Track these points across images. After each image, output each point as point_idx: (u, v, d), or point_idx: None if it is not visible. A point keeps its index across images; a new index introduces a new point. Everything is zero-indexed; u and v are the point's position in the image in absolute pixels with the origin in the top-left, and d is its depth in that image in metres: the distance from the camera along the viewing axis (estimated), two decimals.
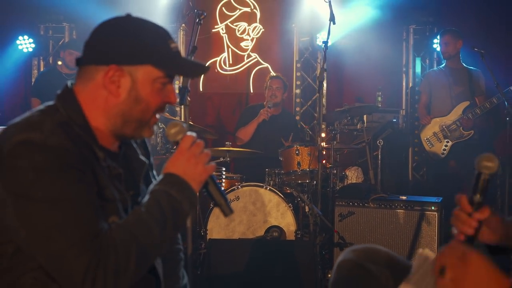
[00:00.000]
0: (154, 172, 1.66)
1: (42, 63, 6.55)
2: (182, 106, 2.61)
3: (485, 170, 1.42)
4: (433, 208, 3.89)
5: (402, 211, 3.96)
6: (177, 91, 2.40)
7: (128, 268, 1.26)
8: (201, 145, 1.42)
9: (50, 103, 1.41)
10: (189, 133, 1.44)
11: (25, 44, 6.48)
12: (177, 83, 5.23)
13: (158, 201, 1.34)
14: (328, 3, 4.31)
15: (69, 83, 1.45)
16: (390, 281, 1.41)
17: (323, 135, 5.55)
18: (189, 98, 2.76)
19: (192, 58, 2.69)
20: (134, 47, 1.37)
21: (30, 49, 6.51)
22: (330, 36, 4.19)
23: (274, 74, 5.55)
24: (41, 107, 1.40)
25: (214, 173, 1.44)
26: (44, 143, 1.26)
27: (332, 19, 4.27)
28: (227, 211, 1.43)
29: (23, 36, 6.47)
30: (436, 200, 3.98)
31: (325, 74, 6.40)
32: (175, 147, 1.43)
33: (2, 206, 1.26)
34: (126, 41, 1.37)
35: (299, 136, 5.38)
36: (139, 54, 1.38)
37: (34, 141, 1.26)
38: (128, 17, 1.44)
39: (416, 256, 1.30)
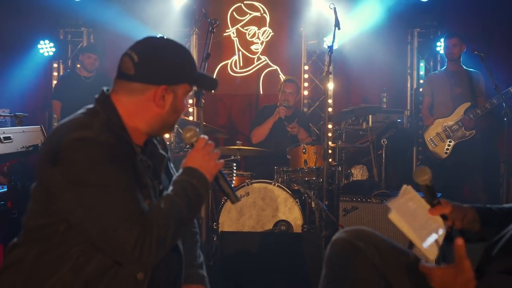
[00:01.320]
0: (172, 165, 1.94)
1: (62, 66, 6.84)
2: (198, 108, 2.86)
3: (423, 182, 1.79)
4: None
5: None
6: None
7: (167, 239, 1.54)
8: (212, 145, 1.74)
9: (90, 106, 1.69)
10: (202, 135, 1.75)
11: (45, 48, 6.78)
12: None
13: (184, 188, 1.64)
14: (333, 10, 4.56)
15: (105, 89, 1.73)
16: (375, 255, 1.67)
17: (329, 134, 5.78)
18: (203, 101, 3.01)
19: (206, 64, 2.95)
20: (177, 70, 1.69)
21: (51, 53, 6.81)
22: (336, 40, 4.43)
23: (289, 77, 5.64)
24: (82, 110, 1.68)
25: (223, 168, 1.76)
26: (96, 140, 1.54)
27: (337, 24, 4.51)
28: (234, 199, 1.77)
29: (44, 40, 6.77)
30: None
31: (331, 77, 6.67)
32: (188, 147, 1.73)
33: (59, 191, 1.53)
34: (172, 65, 1.67)
35: (310, 131, 5.56)
36: (181, 76, 1.70)
37: (88, 138, 1.54)
38: (166, 40, 1.74)
39: (402, 189, 1.63)
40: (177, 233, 1.60)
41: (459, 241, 1.56)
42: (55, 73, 6.78)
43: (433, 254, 1.66)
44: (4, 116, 3.80)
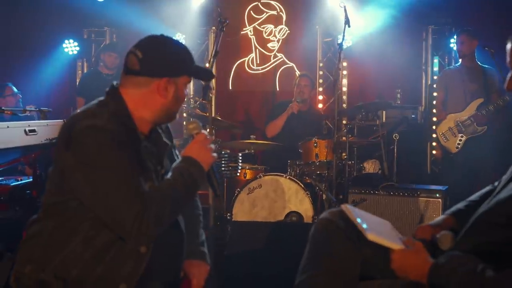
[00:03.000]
0: (177, 152, 2.14)
1: (85, 65, 7.11)
2: (207, 102, 3.04)
3: (446, 247, 1.85)
4: (437, 195, 4.25)
5: (409, 198, 4.33)
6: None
7: (164, 217, 1.74)
8: (210, 140, 1.95)
9: (102, 98, 1.90)
10: (203, 130, 1.96)
11: (70, 47, 7.05)
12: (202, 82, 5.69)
13: (181, 174, 1.83)
14: (343, 8, 4.70)
15: (114, 83, 1.94)
16: (354, 234, 1.83)
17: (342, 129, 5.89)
18: (211, 95, 3.20)
19: (215, 62, 3.14)
20: (178, 63, 1.89)
21: (75, 52, 7.07)
22: (349, 38, 4.57)
23: (303, 72, 5.88)
24: (95, 101, 1.89)
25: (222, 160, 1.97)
26: (104, 127, 1.74)
27: (347, 22, 4.64)
28: (218, 192, 2.02)
29: (68, 40, 7.05)
30: (441, 189, 4.33)
31: (344, 73, 6.79)
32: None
33: (71, 172, 1.74)
34: (172, 59, 1.88)
35: (322, 132, 5.69)
36: (181, 69, 1.90)
37: (97, 125, 1.74)
38: (166, 37, 1.93)
39: (345, 210, 1.76)
40: (173, 212, 1.80)
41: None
42: (79, 71, 7.05)
43: None
44: (30, 111, 4.04)
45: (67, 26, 7.07)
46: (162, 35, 1.93)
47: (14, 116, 4.12)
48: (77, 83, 6.66)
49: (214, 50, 3.15)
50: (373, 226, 1.80)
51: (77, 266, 1.75)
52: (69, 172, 1.74)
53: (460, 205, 2.01)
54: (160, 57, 1.87)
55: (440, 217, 2.01)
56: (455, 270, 1.54)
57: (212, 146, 1.95)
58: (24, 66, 6.97)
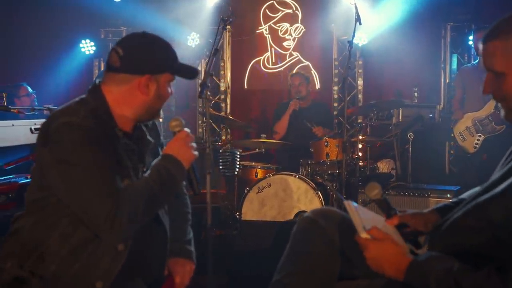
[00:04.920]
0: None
1: (102, 64, 7.21)
2: (203, 99, 3.02)
3: (375, 197, 1.85)
4: (448, 195, 4.15)
5: (419, 198, 4.24)
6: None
7: (137, 214, 1.72)
8: (192, 138, 1.93)
9: (83, 96, 1.90)
10: (185, 128, 1.94)
11: (87, 47, 7.16)
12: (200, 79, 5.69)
13: (159, 172, 1.82)
14: (354, 5, 4.63)
15: (97, 81, 1.93)
16: (335, 232, 1.79)
17: (357, 129, 5.83)
18: (208, 93, 3.18)
19: (214, 59, 3.11)
20: (159, 61, 1.88)
21: (92, 52, 7.20)
22: (362, 36, 4.50)
23: (294, 72, 5.89)
24: (76, 99, 1.89)
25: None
26: (80, 124, 1.74)
27: (358, 20, 4.58)
28: (197, 190, 1.96)
29: (85, 40, 7.18)
30: (453, 189, 4.23)
31: (359, 72, 6.71)
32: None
33: (48, 168, 1.74)
34: (153, 57, 1.87)
35: (332, 124, 5.63)
36: (163, 66, 1.89)
37: (73, 123, 1.73)
38: (148, 34, 1.92)
39: (347, 208, 1.70)
40: (148, 210, 1.77)
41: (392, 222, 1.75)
42: (96, 71, 7.14)
43: None
44: (39, 110, 4.08)
45: (84, 26, 7.19)
46: (144, 32, 1.92)
47: (30, 115, 4.17)
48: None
49: (213, 49, 3.13)
50: (370, 225, 1.75)
51: (54, 262, 1.74)
52: (46, 168, 1.75)
53: (449, 202, 1.95)
54: (140, 54, 1.86)
55: (426, 210, 1.95)
56: (433, 267, 1.49)
57: (194, 144, 1.92)
58: (41, 65, 7.08)
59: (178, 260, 2.10)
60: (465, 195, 1.94)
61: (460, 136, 5.61)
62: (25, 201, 1.88)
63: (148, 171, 1.84)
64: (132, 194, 1.73)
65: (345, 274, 1.80)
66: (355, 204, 1.79)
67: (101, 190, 1.68)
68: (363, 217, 1.70)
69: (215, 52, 3.11)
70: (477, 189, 1.89)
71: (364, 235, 1.63)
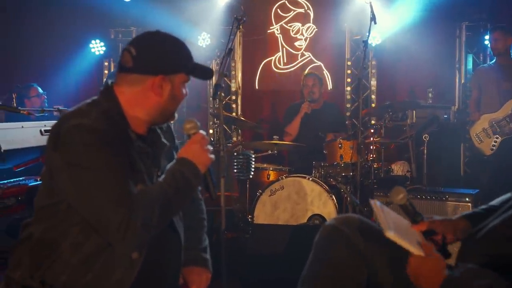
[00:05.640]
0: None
1: (112, 65, 7.15)
2: (217, 100, 2.94)
3: (400, 202, 1.78)
4: (467, 199, 4.03)
5: (437, 202, 4.13)
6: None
7: (152, 222, 1.63)
8: (207, 140, 1.84)
9: (95, 97, 1.82)
10: (200, 131, 1.85)
11: (97, 47, 7.11)
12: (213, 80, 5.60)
13: (174, 176, 1.73)
14: (369, 4, 4.54)
15: (109, 81, 1.85)
16: (360, 240, 1.70)
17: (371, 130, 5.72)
18: (223, 94, 3.10)
19: (228, 60, 3.03)
20: (174, 60, 1.80)
21: (102, 52, 7.14)
22: (376, 36, 4.41)
23: (309, 72, 5.74)
24: (88, 100, 1.81)
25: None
26: (91, 126, 1.66)
27: (373, 18, 4.48)
28: (214, 195, 1.88)
29: (95, 40, 7.12)
30: (471, 192, 4.11)
31: (373, 72, 6.61)
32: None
33: (58, 172, 1.66)
34: (167, 56, 1.79)
35: (345, 126, 5.53)
36: (176, 66, 1.80)
37: (84, 124, 1.66)
38: (162, 33, 1.83)
39: (373, 208, 1.63)
40: (163, 217, 1.68)
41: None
42: (106, 71, 7.09)
43: None
44: (49, 111, 4.03)
45: (93, 26, 7.14)
46: (158, 31, 1.84)
47: (40, 117, 4.12)
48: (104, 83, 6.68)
49: (227, 49, 3.04)
50: (396, 226, 1.67)
51: (65, 272, 1.67)
52: (56, 172, 1.67)
53: (479, 209, 1.86)
54: (154, 54, 1.77)
55: (455, 216, 1.86)
56: (470, 283, 1.41)
57: (210, 147, 1.84)
58: (50, 66, 7.04)
59: (193, 268, 2.01)
60: (495, 202, 1.85)
61: (476, 138, 5.50)
62: (34, 207, 1.80)
63: (163, 176, 1.76)
64: (146, 200, 1.64)
65: (371, 283, 1.71)
66: (379, 203, 1.72)
67: (114, 195, 1.60)
68: (389, 218, 1.64)
69: (229, 52, 3.03)
70: (508, 195, 1.81)
71: (389, 234, 1.56)
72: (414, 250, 1.60)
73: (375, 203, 1.66)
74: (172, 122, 1.98)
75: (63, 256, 1.68)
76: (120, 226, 1.57)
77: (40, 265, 1.69)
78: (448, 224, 1.81)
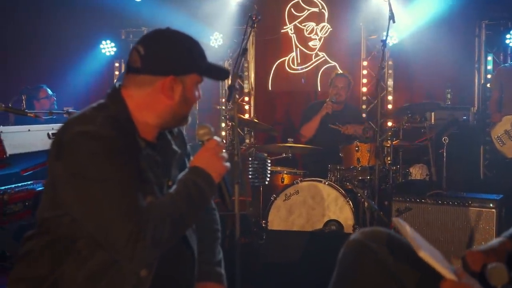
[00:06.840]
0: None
1: (123, 65, 7.06)
2: (231, 103, 2.80)
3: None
4: (491, 205, 3.85)
5: (459, 207, 3.95)
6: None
7: (162, 237, 1.50)
8: (222, 147, 1.70)
9: (102, 101, 1.68)
10: (215, 137, 1.72)
11: (107, 48, 7.03)
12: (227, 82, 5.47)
13: (186, 186, 1.59)
14: (387, 2, 4.38)
15: (117, 84, 1.71)
16: (389, 256, 1.55)
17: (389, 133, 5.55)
18: (237, 96, 2.96)
19: (243, 59, 2.90)
20: (185, 60, 1.65)
21: (112, 53, 7.07)
22: (392, 35, 4.24)
23: (341, 72, 5.58)
24: (94, 104, 1.67)
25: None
26: (97, 133, 1.52)
27: (391, 17, 4.32)
28: (229, 205, 1.74)
29: (106, 40, 7.04)
30: (495, 198, 3.93)
31: (390, 72, 6.44)
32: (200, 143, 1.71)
33: (62, 183, 1.53)
34: (178, 56, 1.64)
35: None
36: (188, 66, 1.66)
37: (89, 131, 1.52)
38: (172, 31, 1.69)
39: (397, 226, 1.47)
40: (174, 231, 1.55)
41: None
42: (117, 72, 7.00)
43: None
44: (57, 113, 3.91)
45: (104, 26, 7.07)
46: (168, 28, 1.70)
47: (49, 119, 4.01)
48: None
49: (241, 49, 2.90)
50: (425, 246, 1.52)
51: None
52: (60, 184, 1.54)
53: None
54: (164, 53, 1.64)
55: (495, 240, 1.69)
56: None
57: (225, 154, 1.70)
58: (60, 67, 6.96)
59: (207, 284, 1.86)
60: None
61: (498, 140, 5.34)
62: (37, 219, 1.67)
63: (174, 186, 1.62)
64: (157, 213, 1.51)
65: None
66: (403, 222, 1.57)
67: (122, 209, 1.46)
68: (416, 236, 1.49)
69: (243, 52, 2.89)
70: None
71: (422, 254, 1.42)
72: (447, 273, 1.46)
73: (398, 221, 1.51)
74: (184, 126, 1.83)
75: (67, 272, 1.54)
76: (128, 242, 1.44)
77: (42, 282, 1.56)
78: (492, 254, 1.64)
